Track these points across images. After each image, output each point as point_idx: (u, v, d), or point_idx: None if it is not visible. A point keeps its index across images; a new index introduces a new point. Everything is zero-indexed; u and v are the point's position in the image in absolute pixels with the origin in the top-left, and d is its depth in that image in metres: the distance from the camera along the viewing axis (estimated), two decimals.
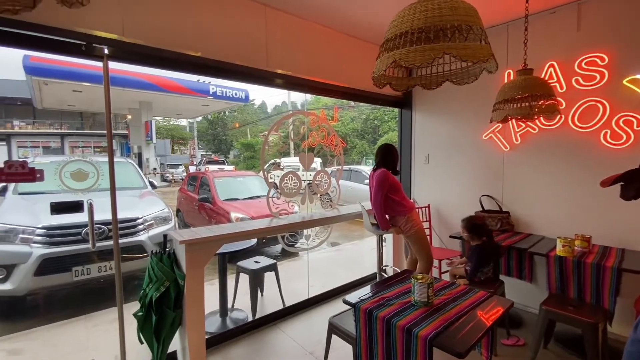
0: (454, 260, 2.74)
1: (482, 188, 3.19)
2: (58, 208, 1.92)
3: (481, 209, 3.12)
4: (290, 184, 2.74)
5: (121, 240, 3.40)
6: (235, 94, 19.05)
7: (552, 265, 2.32)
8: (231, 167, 20.55)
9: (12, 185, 3.83)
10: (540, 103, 1.98)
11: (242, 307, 3.03)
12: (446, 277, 3.09)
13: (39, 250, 2.95)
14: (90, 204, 1.95)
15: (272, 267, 3.04)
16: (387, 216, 2.70)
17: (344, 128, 24.45)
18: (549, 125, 2.74)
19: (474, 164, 3.25)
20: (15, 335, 2.70)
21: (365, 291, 1.73)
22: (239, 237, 2.27)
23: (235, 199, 5.61)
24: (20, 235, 2.99)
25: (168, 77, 16.52)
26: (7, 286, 2.88)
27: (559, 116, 2.46)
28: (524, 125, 2.89)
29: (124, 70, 15.10)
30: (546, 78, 2.68)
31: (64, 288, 3.23)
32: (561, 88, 2.64)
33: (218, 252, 2.57)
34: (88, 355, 2.43)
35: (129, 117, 18.31)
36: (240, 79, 2.58)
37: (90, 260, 3.15)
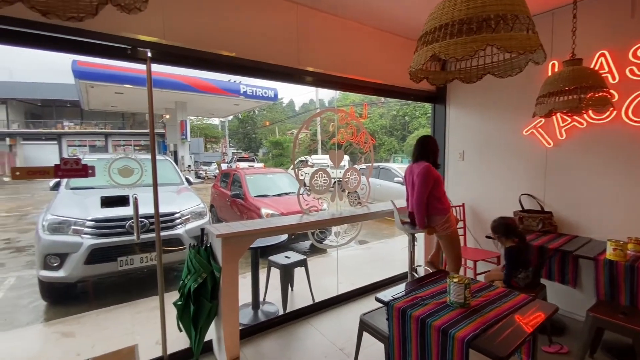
0: (491, 271, 2.64)
1: (521, 186, 3.03)
2: (107, 202, 2.07)
3: (521, 209, 2.97)
4: (320, 181, 2.76)
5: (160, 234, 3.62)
6: (265, 93, 19.39)
7: (600, 270, 2.16)
8: (260, 165, 21.01)
9: (64, 181, 4.16)
10: (589, 95, 1.84)
11: (273, 301, 3.10)
12: (482, 280, 2.97)
13: (88, 241, 3.20)
14: (135, 198, 2.08)
15: (302, 263, 3.08)
16: None
17: (373, 125, 24.16)
18: (599, 119, 2.55)
19: (513, 161, 3.09)
20: (67, 319, 2.95)
21: (397, 290, 1.71)
22: (272, 232, 2.32)
23: (266, 196, 5.74)
24: (72, 227, 3.24)
25: (202, 78, 17.16)
26: (60, 273, 3.14)
27: (610, 109, 2.28)
28: (569, 120, 2.71)
29: (161, 72, 15.87)
30: (596, 68, 2.49)
31: (111, 276, 3.48)
32: (613, 79, 2.44)
33: (251, 246, 2.65)
34: (133, 340, 2.60)
35: (167, 116, 19.23)
36: (272, 78, 2.62)
37: (134, 252, 3.36)
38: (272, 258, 3.10)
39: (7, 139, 24.97)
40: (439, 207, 2.55)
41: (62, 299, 3.51)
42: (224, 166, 20.20)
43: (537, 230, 2.78)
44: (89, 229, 3.24)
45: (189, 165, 19.64)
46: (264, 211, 5.11)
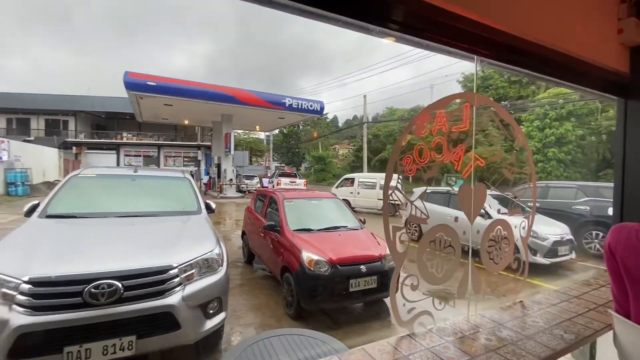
0: None
1: None
2: None
3: None
4: (437, 260, 1.19)
5: (138, 306, 2.25)
6: (310, 106, 18.43)
7: None
8: (302, 181, 19.78)
9: (43, 204, 3.07)
10: None
11: None
12: None
13: (18, 319, 1.91)
14: None
15: None
16: None
17: (432, 138, 21.90)
18: None
19: None
20: None
21: None
22: None
23: (309, 230, 4.25)
24: (2, 290, 2.00)
25: (247, 90, 16.69)
26: None
27: None
28: None
29: (207, 83, 15.59)
30: None
31: None
32: None
33: None
34: None
35: (186, 122, 18.94)
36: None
37: (94, 337, 2.03)
38: None
39: (74, 148, 26.91)
40: None
41: None
42: (265, 181, 19.40)
43: None
44: (24, 297, 1.97)
45: (231, 179, 19.04)
46: (305, 255, 3.63)
